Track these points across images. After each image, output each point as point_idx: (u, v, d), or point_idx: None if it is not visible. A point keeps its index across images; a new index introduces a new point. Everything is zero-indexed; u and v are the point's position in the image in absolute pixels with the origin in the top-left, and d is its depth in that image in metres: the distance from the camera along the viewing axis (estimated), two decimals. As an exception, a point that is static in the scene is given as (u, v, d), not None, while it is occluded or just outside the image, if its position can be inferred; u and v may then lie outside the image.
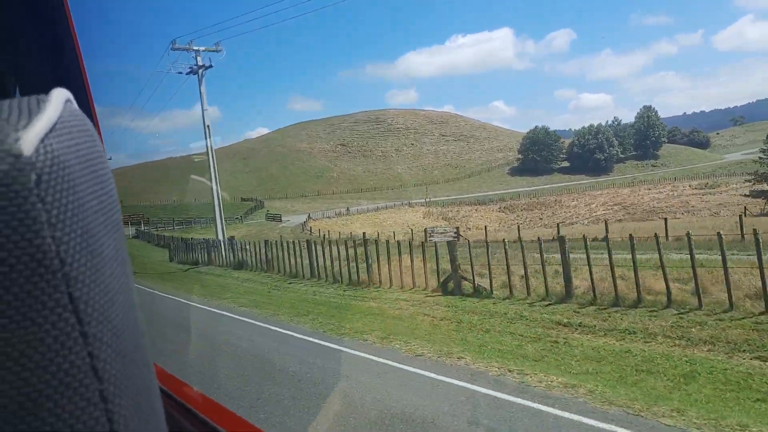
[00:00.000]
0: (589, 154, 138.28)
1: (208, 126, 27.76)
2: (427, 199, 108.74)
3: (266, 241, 23.33)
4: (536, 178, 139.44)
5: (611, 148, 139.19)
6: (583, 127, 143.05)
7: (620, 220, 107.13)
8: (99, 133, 1.30)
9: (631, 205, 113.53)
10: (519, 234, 33.62)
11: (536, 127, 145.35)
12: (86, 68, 1.44)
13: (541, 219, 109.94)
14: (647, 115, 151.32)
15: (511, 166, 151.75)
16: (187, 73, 27.06)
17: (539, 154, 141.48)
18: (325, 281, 18.73)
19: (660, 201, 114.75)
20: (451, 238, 35.40)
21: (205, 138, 27.64)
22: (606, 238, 18.06)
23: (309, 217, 77.19)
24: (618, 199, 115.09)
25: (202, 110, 27.38)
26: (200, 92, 27.35)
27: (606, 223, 39.73)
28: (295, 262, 20.39)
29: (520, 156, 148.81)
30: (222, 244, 26.64)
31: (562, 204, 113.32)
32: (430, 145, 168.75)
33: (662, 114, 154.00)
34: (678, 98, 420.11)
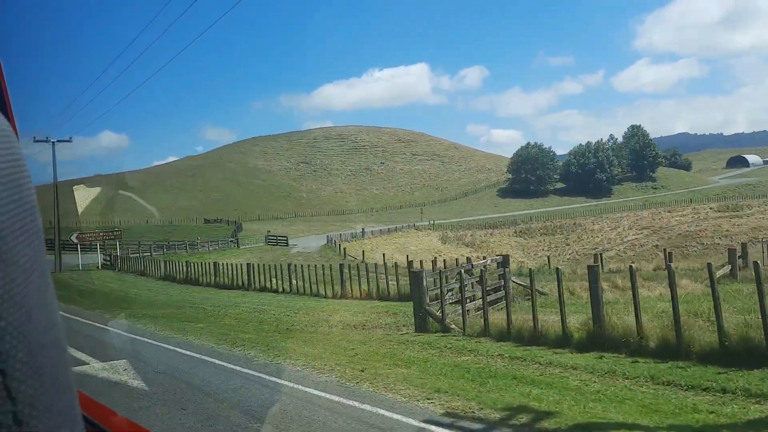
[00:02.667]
0: (589, 175, 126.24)
1: None
2: (431, 222, 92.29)
3: None
4: (531, 201, 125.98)
5: (612, 168, 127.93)
6: (580, 145, 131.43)
7: (656, 246, 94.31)
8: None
9: (660, 229, 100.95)
10: None
11: (528, 143, 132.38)
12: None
13: (569, 244, 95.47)
14: (641, 134, 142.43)
15: (499, 187, 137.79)
16: None
17: (533, 173, 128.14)
18: None
19: (688, 224, 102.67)
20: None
21: None
22: None
23: (328, 239, 58.73)
24: (643, 222, 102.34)
25: None
26: None
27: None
28: None
29: (509, 176, 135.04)
30: None
31: (584, 228, 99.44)
32: (402, 164, 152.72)
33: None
34: (580, 135, 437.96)
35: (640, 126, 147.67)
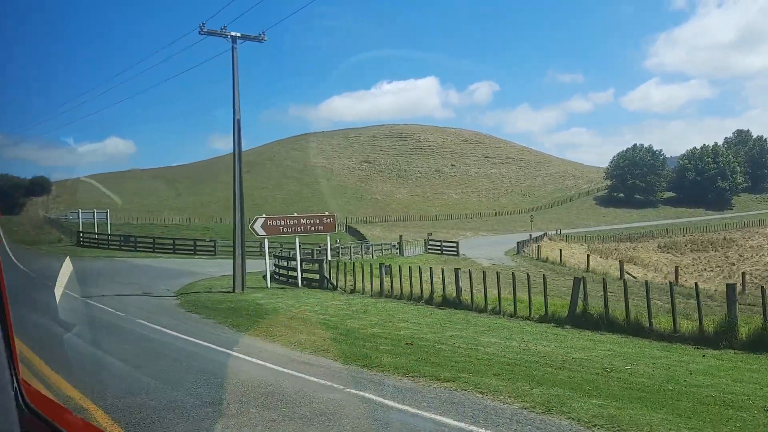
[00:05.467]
0: (709, 183, 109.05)
1: None
2: (558, 231, 75.85)
3: None
4: (642, 211, 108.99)
5: (734, 176, 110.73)
6: (695, 148, 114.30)
7: None
8: None
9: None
10: None
11: (635, 145, 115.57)
12: None
13: (733, 264, 78.10)
14: (754, 140, 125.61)
15: (595, 195, 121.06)
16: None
17: (643, 179, 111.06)
18: None
19: None
20: None
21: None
22: None
23: (519, 247, 42.38)
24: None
25: None
26: None
27: None
28: None
29: (609, 181, 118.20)
30: None
31: (738, 244, 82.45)
32: (476, 167, 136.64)
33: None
34: (587, 154, 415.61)
35: (747, 131, 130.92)
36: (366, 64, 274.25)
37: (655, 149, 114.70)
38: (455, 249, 43.28)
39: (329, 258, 21.91)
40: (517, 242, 45.74)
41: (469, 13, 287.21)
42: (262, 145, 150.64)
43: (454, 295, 14.96)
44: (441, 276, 17.61)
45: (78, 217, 47.48)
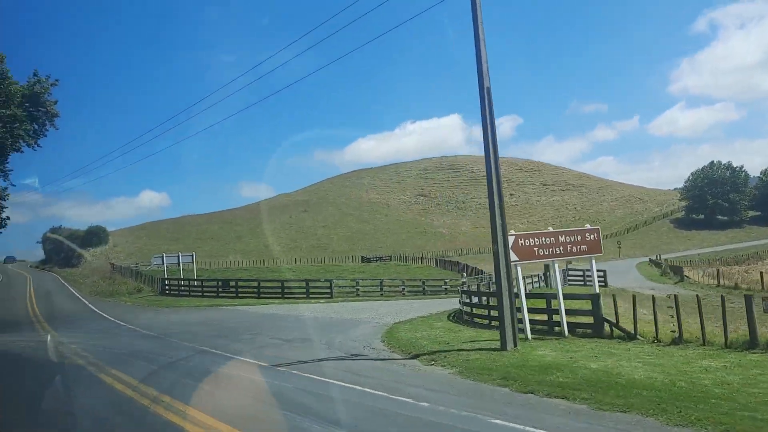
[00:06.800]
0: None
1: None
2: (658, 256, 68.26)
3: None
4: (726, 232, 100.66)
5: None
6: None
7: None
8: None
9: None
10: None
11: (713, 162, 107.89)
12: None
13: None
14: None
15: (671, 217, 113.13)
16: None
17: (725, 197, 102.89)
18: None
19: None
20: None
21: None
22: None
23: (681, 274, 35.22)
24: None
25: None
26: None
27: None
28: None
29: (684, 202, 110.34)
30: None
31: None
32: (536, 195, 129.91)
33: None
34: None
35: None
36: (389, 104, 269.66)
37: (735, 165, 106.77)
38: (603, 279, 36.67)
39: (597, 290, 15.67)
40: (682, 268, 38.91)
41: (489, 48, 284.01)
42: (312, 184, 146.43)
43: None
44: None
45: (162, 263, 42.27)
